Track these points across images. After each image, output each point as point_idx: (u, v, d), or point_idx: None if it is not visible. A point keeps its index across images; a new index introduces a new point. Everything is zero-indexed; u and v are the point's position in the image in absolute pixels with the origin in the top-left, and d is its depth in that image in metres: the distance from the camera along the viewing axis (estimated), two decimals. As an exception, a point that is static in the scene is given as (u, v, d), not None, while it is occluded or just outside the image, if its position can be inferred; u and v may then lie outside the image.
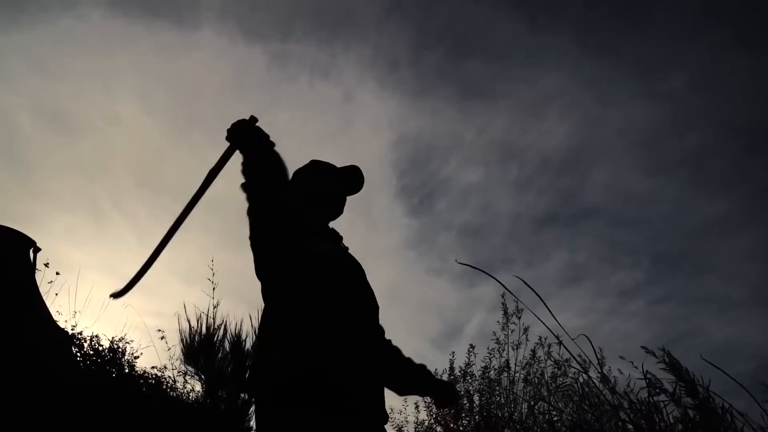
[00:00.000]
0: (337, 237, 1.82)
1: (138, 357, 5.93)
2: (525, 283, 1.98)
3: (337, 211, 1.82)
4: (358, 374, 1.46)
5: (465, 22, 8.34)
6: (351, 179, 1.84)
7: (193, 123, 9.84)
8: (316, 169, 1.85)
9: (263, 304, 1.61)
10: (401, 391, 1.85)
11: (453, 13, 8.25)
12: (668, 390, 1.87)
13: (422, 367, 1.86)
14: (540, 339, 5.16)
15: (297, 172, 1.87)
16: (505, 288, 2.00)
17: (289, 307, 1.49)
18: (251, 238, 1.57)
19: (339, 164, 1.87)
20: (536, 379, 4.98)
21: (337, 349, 1.43)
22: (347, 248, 1.81)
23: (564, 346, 2.82)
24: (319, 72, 9.40)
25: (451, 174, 9.69)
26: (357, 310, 1.56)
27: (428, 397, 1.87)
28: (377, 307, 1.69)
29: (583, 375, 2.91)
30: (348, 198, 1.85)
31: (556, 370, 4.84)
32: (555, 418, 3.94)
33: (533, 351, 5.18)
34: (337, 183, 1.81)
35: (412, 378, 1.84)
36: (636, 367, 2.15)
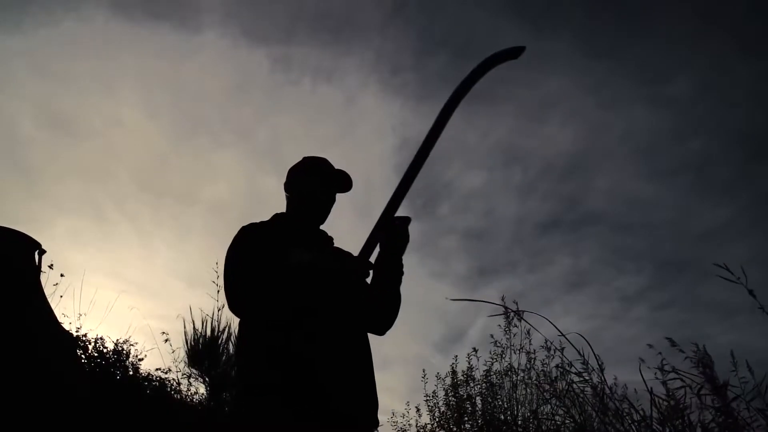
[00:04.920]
0: (326, 240, 1.83)
1: (142, 359, 5.95)
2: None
3: (324, 214, 1.81)
4: (339, 376, 1.50)
5: (468, 27, 8.37)
6: (338, 181, 1.83)
7: (196, 126, 9.87)
8: (306, 169, 1.84)
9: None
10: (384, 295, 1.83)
11: (456, 17, 8.28)
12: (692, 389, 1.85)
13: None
14: (547, 342, 5.14)
15: (291, 170, 1.87)
16: (503, 305, 2.00)
17: (269, 316, 1.53)
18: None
19: (339, 167, 1.86)
20: (538, 382, 4.98)
21: (316, 350, 1.48)
22: (340, 249, 1.82)
23: (562, 354, 2.84)
24: (321, 75, 9.43)
25: (454, 178, 9.71)
26: (338, 314, 1.60)
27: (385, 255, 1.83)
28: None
29: (583, 378, 2.92)
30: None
31: (557, 373, 4.84)
32: (559, 422, 3.95)
33: (531, 353, 5.16)
34: (324, 185, 1.81)
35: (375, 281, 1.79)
36: (664, 367, 2.08)
